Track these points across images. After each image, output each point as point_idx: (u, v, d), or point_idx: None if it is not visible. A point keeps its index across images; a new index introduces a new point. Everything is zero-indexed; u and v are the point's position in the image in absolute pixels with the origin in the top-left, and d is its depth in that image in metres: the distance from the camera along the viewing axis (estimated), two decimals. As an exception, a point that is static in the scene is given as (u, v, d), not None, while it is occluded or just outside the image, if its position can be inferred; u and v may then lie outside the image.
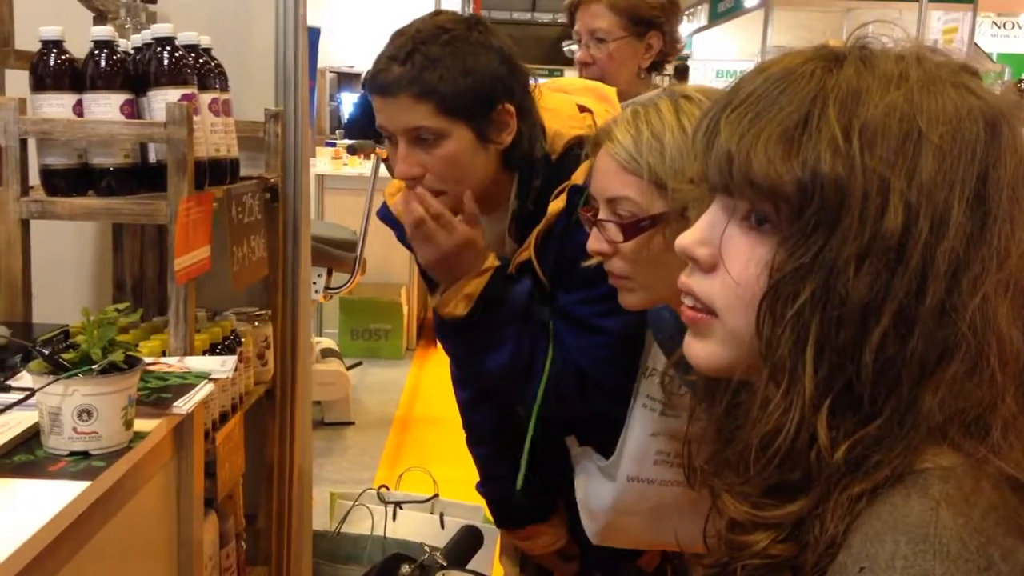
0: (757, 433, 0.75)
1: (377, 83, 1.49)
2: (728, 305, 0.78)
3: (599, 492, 1.61)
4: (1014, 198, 0.72)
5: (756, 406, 0.75)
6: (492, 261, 1.55)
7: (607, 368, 1.56)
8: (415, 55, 1.46)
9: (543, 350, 1.57)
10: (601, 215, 1.32)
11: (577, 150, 1.52)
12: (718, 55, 12.28)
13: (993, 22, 9.82)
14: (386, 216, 1.73)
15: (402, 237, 1.73)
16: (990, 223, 0.71)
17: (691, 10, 11.35)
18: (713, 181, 0.78)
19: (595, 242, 1.33)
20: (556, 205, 1.52)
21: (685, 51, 12.97)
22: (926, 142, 0.71)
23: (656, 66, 2.24)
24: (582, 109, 1.63)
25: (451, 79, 1.45)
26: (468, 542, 1.58)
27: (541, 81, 1.65)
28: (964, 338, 0.71)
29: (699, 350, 0.81)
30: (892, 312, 0.70)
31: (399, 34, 1.51)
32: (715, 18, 10.45)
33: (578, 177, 1.51)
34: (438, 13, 1.58)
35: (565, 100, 1.65)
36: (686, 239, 0.81)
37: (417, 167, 1.50)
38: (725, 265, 0.78)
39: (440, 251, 1.51)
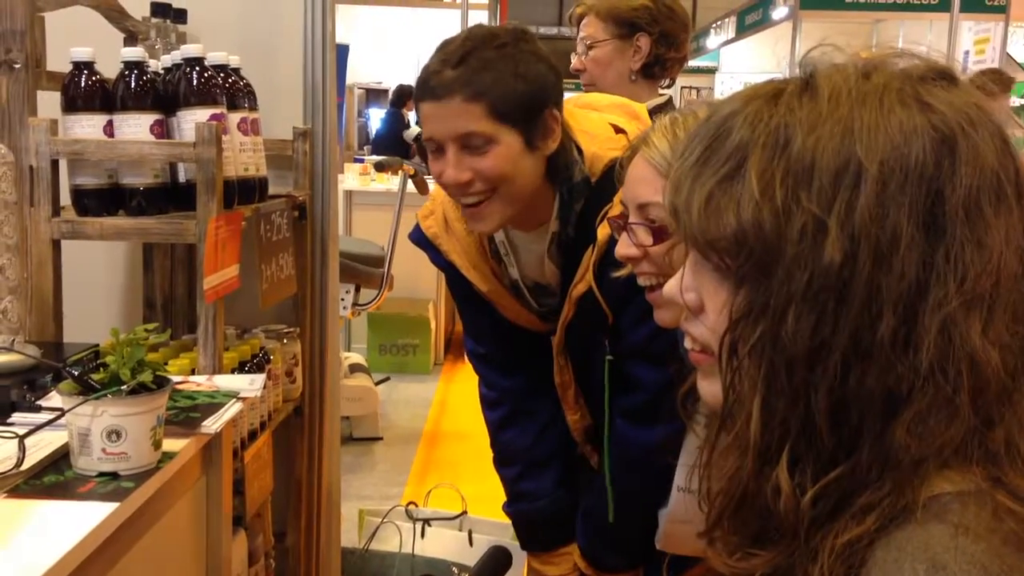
0: (717, 478, 0.75)
1: (429, 87, 1.47)
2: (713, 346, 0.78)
3: None
4: (971, 215, 0.68)
5: (717, 452, 0.76)
6: None
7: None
8: (469, 58, 1.45)
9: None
10: (632, 219, 1.31)
11: (616, 172, 1.50)
12: (746, 67, 12.25)
13: (1026, 31, 9.69)
14: (419, 239, 1.73)
15: (436, 259, 1.73)
16: (947, 242, 0.68)
17: (719, 22, 11.32)
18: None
19: (624, 247, 1.32)
20: (605, 230, 1.50)
21: (712, 63, 12.96)
22: (864, 172, 0.68)
23: (648, 69, 2.22)
24: (617, 130, 1.62)
25: (504, 82, 1.45)
26: (497, 563, 1.57)
27: (567, 96, 1.65)
28: (930, 367, 0.68)
29: (706, 389, 0.82)
30: (841, 351, 0.68)
31: (447, 42, 1.50)
32: (743, 30, 10.41)
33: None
34: (480, 26, 1.58)
35: (599, 121, 1.64)
36: (671, 286, 0.82)
37: (467, 172, 1.48)
38: (706, 308, 0.78)
39: None
